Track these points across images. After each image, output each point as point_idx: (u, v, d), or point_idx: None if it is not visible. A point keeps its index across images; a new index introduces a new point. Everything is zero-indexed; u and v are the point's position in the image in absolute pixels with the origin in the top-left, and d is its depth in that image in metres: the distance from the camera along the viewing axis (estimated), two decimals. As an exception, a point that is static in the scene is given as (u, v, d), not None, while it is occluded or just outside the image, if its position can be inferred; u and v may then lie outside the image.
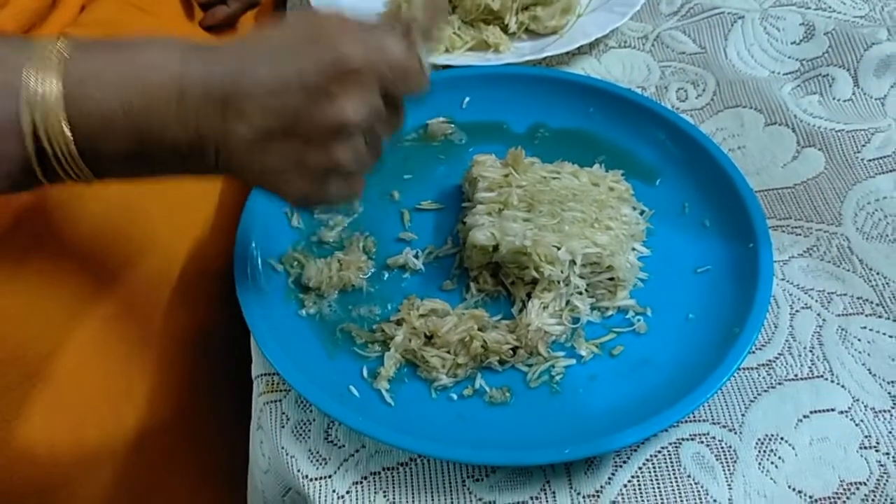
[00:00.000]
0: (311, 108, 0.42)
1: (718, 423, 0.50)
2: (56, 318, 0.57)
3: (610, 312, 0.55)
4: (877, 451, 0.49)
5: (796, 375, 0.52)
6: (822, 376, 0.52)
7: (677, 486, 0.48)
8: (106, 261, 0.60)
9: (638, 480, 0.48)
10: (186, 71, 0.42)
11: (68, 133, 0.40)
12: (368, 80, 0.43)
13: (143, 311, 0.62)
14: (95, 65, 0.42)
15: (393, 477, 0.49)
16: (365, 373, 0.52)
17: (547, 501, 0.48)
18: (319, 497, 0.49)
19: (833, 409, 0.51)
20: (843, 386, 0.52)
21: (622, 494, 0.48)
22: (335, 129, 0.43)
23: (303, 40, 0.43)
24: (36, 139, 0.40)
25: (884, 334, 0.54)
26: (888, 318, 0.55)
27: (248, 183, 0.49)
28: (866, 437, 0.50)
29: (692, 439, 0.50)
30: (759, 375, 0.52)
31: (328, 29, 0.43)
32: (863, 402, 0.51)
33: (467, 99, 0.69)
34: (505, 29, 0.74)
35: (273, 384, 0.54)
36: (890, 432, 0.50)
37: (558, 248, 0.54)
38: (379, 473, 0.49)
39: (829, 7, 0.77)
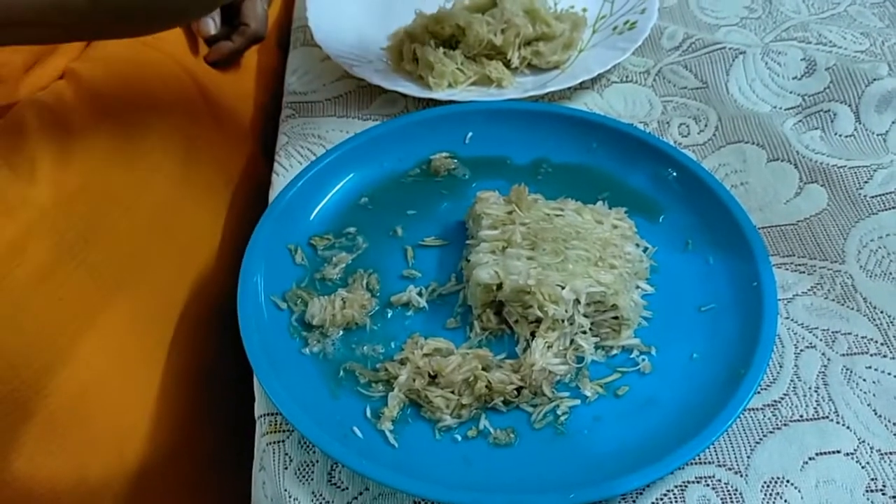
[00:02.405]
0: None
1: (724, 466, 0.50)
2: (53, 349, 0.56)
3: (614, 352, 0.55)
4: (883, 493, 0.49)
5: (801, 416, 0.52)
6: (827, 417, 0.52)
7: (683, 529, 0.48)
8: (109, 294, 0.60)
9: (644, 524, 0.48)
10: None
11: None
12: None
13: (146, 347, 0.62)
14: None
15: (397, 520, 0.49)
16: (368, 413, 0.52)
17: (552, 545, 0.47)
18: (323, 540, 0.48)
19: (839, 451, 0.50)
20: (848, 427, 0.52)
21: (628, 538, 0.48)
22: None
23: None
24: None
25: (889, 374, 0.54)
26: (893, 358, 0.55)
27: None
28: (872, 479, 0.49)
29: (698, 482, 0.49)
30: (764, 416, 0.52)
31: None
32: (868, 444, 0.51)
33: (470, 134, 0.69)
34: (507, 64, 0.75)
35: (276, 424, 0.53)
36: (896, 475, 0.49)
37: (562, 288, 0.54)
38: (383, 516, 0.49)
39: (830, 42, 0.78)
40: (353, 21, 0.81)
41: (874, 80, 0.70)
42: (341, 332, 0.57)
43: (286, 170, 0.69)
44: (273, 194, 0.66)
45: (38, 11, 0.48)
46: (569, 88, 0.73)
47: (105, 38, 0.57)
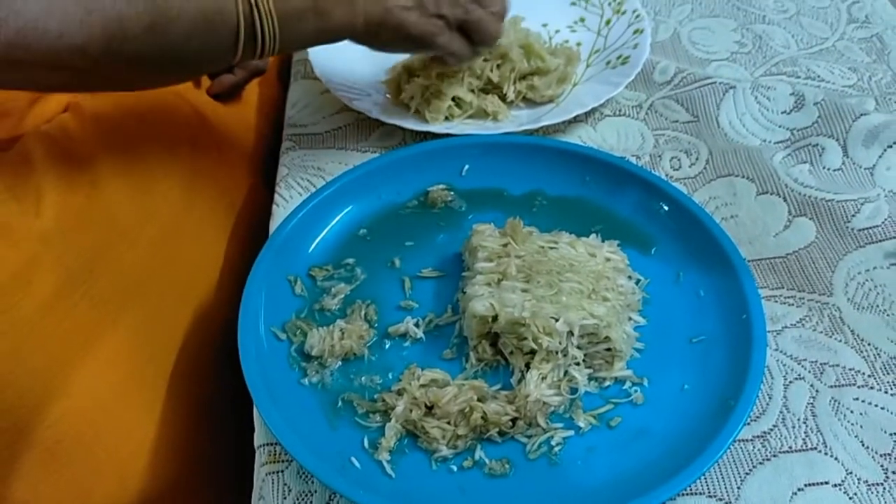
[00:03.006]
0: None
1: (715, 496, 0.51)
2: (56, 378, 0.57)
3: (607, 383, 0.56)
4: (870, 524, 0.50)
5: (791, 447, 0.53)
6: (815, 448, 0.53)
7: (675, 559, 0.49)
8: (111, 324, 0.61)
9: (636, 554, 0.49)
10: None
11: (275, 17, 0.56)
12: None
13: (147, 377, 0.63)
14: None
15: (394, 549, 0.50)
16: (366, 443, 0.53)
17: (546, 575, 0.48)
18: (321, 570, 0.49)
19: (827, 482, 0.52)
20: (836, 458, 0.53)
21: (620, 568, 0.48)
22: None
23: None
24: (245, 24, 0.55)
25: (876, 406, 0.55)
26: (880, 390, 0.56)
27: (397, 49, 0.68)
28: (860, 510, 0.50)
29: (689, 512, 0.50)
30: (753, 447, 0.53)
31: None
32: (856, 475, 0.52)
33: (467, 167, 0.70)
34: (503, 98, 0.76)
35: (275, 455, 0.54)
36: (883, 505, 0.51)
37: (556, 320, 0.55)
38: (380, 546, 0.50)
39: (819, 76, 0.80)
40: (353, 54, 0.81)
41: (861, 114, 0.72)
42: (340, 363, 0.58)
43: (286, 201, 0.70)
44: (273, 225, 0.68)
45: (56, 53, 0.49)
46: (563, 122, 0.74)
47: (116, 89, 0.60)
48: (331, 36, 0.62)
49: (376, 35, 0.63)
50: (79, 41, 0.50)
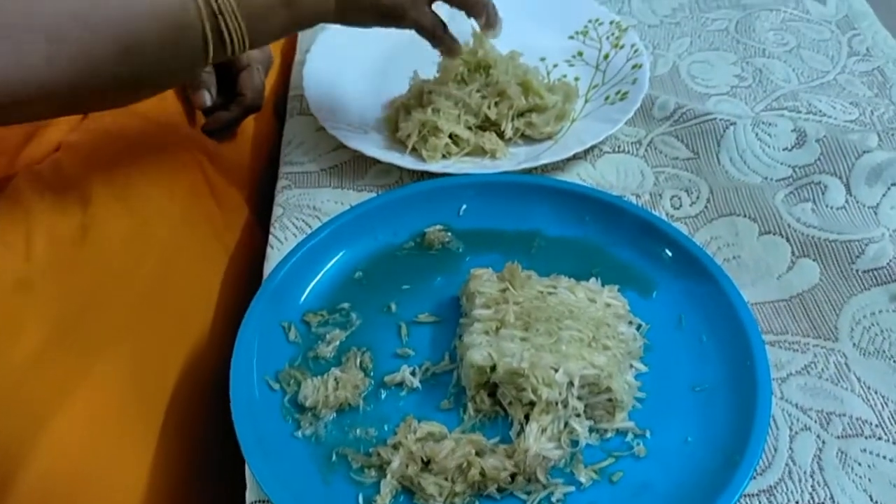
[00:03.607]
0: None
1: (720, 555, 0.50)
2: (44, 426, 0.56)
3: (609, 435, 0.55)
4: (881, 584, 0.48)
5: (797, 502, 0.52)
6: (823, 503, 0.52)
7: None
8: (102, 369, 0.60)
9: None
10: None
11: (241, 18, 0.55)
12: None
13: (137, 424, 0.62)
14: None
15: None
16: (361, 500, 0.52)
17: None
18: None
19: (835, 540, 0.50)
20: (844, 514, 0.51)
21: None
22: None
23: None
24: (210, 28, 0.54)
25: (884, 458, 0.54)
26: (888, 441, 0.55)
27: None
28: (870, 569, 0.49)
29: (694, 573, 0.49)
30: (759, 503, 0.52)
31: None
32: (865, 532, 0.51)
33: (464, 207, 0.69)
34: (501, 135, 0.75)
35: (268, 511, 0.53)
36: (893, 564, 0.49)
37: (556, 370, 0.53)
38: None
39: (820, 111, 0.79)
40: (349, 90, 0.82)
41: (864, 152, 0.71)
42: (334, 414, 0.56)
43: (281, 242, 0.69)
44: (268, 268, 0.67)
45: (23, 97, 0.49)
46: (562, 160, 0.73)
47: (90, 111, 0.60)
48: (304, 24, 0.62)
49: (347, 12, 0.63)
50: (47, 86, 0.49)
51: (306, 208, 0.72)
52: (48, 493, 0.56)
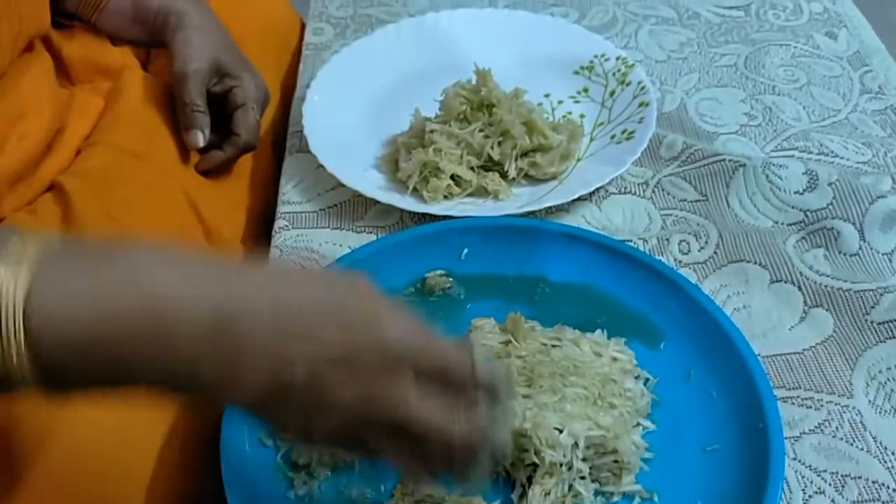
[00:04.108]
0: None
1: None
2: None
3: (615, 498, 0.53)
4: None
5: (812, 573, 0.50)
6: (839, 574, 0.50)
7: None
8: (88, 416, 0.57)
9: None
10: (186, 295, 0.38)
11: (22, 350, 0.36)
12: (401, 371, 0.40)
13: (128, 468, 0.59)
14: (67, 279, 0.37)
15: None
16: (356, 567, 0.50)
17: None
18: None
19: None
20: (861, 586, 0.49)
21: None
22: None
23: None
24: None
25: (902, 525, 0.52)
26: (906, 507, 0.52)
27: None
28: None
29: None
30: (773, 574, 0.50)
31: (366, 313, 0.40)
32: None
33: (466, 251, 0.68)
34: (504, 175, 0.74)
35: (258, 578, 0.51)
36: None
37: (560, 431, 0.51)
38: None
39: (832, 152, 0.77)
40: (349, 127, 0.80)
41: (878, 197, 0.69)
42: (329, 473, 0.54)
43: (277, 286, 0.67)
44: (262, 314, 0.64)
45: None
46: (566, 202, 0.71)
47: None
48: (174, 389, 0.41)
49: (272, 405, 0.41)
50: None
51: (304, 251, 0.70)
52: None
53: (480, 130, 0.73)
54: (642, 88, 0.80)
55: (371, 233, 0.72)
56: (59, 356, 0.36)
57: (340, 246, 0.70)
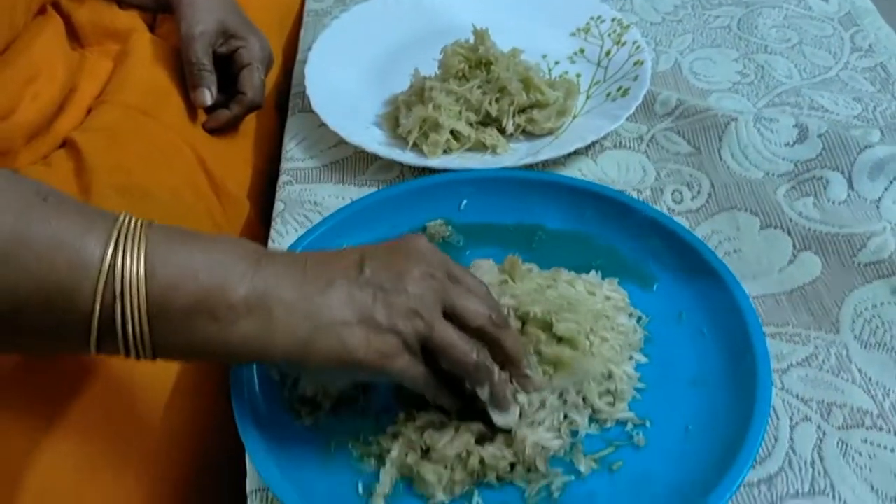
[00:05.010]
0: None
1: (720, 544, 0.49)
2: (39, 418, 0.56)
3: (609, 424, 0.55)
4: (882, 573, 0.48)
5: (797, 492, 0.52)
6: (823, 492, 0.51)
7: None
8: (93, 365, 0.60)
9: None
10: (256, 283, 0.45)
11: (145, 315, 0.43)
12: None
13: (136, 419, 0.62)
14: (178, 253, 0.44)
15: None
16: (360, 489, 0.52)
17: None
18: None
19: (836, 529, 0.50)
20: (844, 503, 0.51)
21: None
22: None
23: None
24: (101, 316, 0.42)
25: (885, 448, 0.53)
26: (889, 431, 0.54)
27: None
28: (870, 558, 0.49)
29: (693, 562, 0.49)
30: (759, 492, 0.52)
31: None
32: (865, 521, 0.50)
33: (465, 202, 0.70)
34: (502, 131, 0.76)
35: (267, 501, 0.53)
36: (894, 553, 0.49)
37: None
38: None
39: (822, 107, 0.79)
40: (350, 88, 0.82)
41: (866, 146, 0.71)
42: (334, 405, 0.56)
43: (282, 237, 0.69)
44: (268, 262, 0.67)
45: None
46: (563, 155, 0.73)
47: None
48: (237, 355, 0.47)
49: (305, 359, 0.47)
50: None
51: (307, 203, 0.72)
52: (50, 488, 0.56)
53: (479, 87, 0.75)
54: (637, 48, 0.82)
55: (373, 187, 0.74)
56: (167, 332, 0.44)
57: (343, 199, 0.72)
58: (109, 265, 0.42)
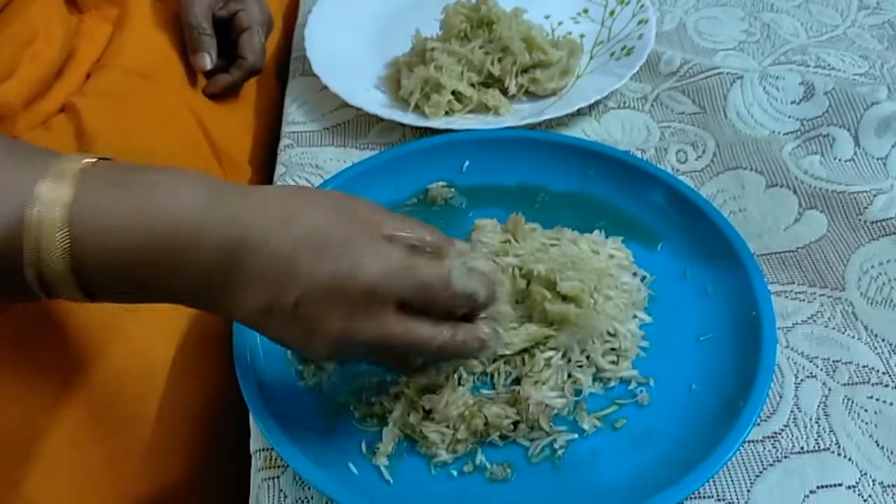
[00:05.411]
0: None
1: (724, 500, 0.49)
2: (47, 392, 0.56)
3: (612, 383, 0.55)
4: (886, 527, 0.48)
5: (802, 448, 0.51)
6: (828, 449, 0.51)
7: (682, 566, 0.47)
8: (101, 327, 0.60)
9: (642, 560, 0.47)
10: (206, 219, 0.42)
11: (65, 257, 0.41)
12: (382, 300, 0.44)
13: (142, 381, 0.62)
14: (108, 195, 0.42)
15: (392, 557, 0.49)
16: (363, 448, 0.52)
17: (549, 583, 0.47)
18: (317, 579, 0.48)
19: (840, 484, 0.50)
20: (850, 459, 0.51)
21: (626, 575, 0.47)
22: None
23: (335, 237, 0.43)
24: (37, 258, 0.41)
25: (890, 404, 0.53)
26: (895, 387, 0.54)
27: None
28: (875, 513, 0.49)
29: (697, 517, 0.49)
30: (764, 449, 0.52)
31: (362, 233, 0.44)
32: (871, 476, 0.50)
33: (467, 163, 0.69)
34: (505, 91, 0.75)
35: (271, 460, 0.53)
36: (899, 508, 0.49)
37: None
38: (378, 554, 0.49)
39: (829, 65, 0.77)
40: (351, 50, 0.81)
41: (873, 103, 0.70)
42: (337, 365, 0.56)
43: (284, 200, 0.69)
44: (270, 225, 0.66)
45: None
46: (566, 115, 0.72)
47: None
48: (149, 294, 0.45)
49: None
50: None
51: (309, 167, 0.72)
52: (63, 441, 0.56)
53: (481, 47, 0.74)
54: (641, 7, 0.81)
55: (374, 150, 0.73)
56: (94, 266, 0.42)
57: (344, 162, 0.72)
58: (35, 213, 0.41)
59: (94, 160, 0.44)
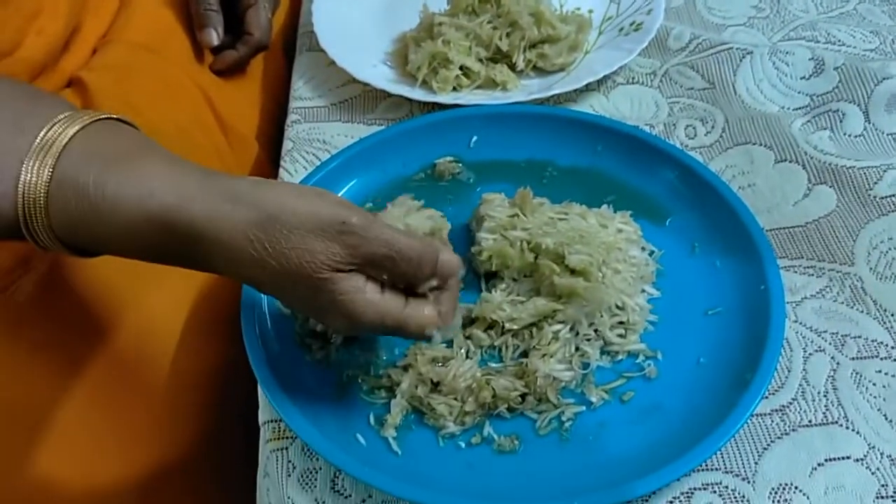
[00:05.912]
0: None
1: (731, 472, 0.49)
2: (59, 362, 0.57)
3: (620, 357, 0.55)
4: (894, 500, 0.48)
5: (810, 422, 0.51)
6: (836, 422, 0.51)
7: (690, 537, 0.47)
8: (112, 299, 0.60)
9: (649, 531, 0.48)
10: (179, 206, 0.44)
11: (49, 233, 0.44)
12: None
13: (152, 353, 0.62)
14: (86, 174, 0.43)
15: (400, 527, 0.49)
16: (372, 420, 0.52)
17: (557, 553, 0.47)
18: (326, 548, 0.48)
19: (848, 457, 0.50)
20: (858, 432, 0.51)
21: (633, 546, 0.47)
22: None
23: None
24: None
25: (899, 378, 0.53)
26: (903, 362, 0.54)
27: None
28: (883, 485, 0.49)
29: (704, 489, 0.49)
30: (772, 422, 0.52)
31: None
32: (879, 450, 0.50)
33: (475, 138, 0.69)
34: (513, 67, 0.74)
35: (279, 431, 0.53)
36: (907, 481, 0.49)
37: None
38: (386, 524, 0.49)
39: (839, 41, 0.77)
40: (359, 25, 0.81)
41: (883, 79, 0.69)
42: (344, 339, 0.56)
43: (291, 175, 0.69)
44: (278, 200, 0.66)
45: None
46: (574, 91, 0.72)
47: None
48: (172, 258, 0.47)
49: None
50: None
51: (316, 142, 0.72)
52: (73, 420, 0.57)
53: (489, 22, 0.74)
54: (650, -18, 0.80)
55: (382, 125, 0.73)
56: (77, 242, 0.45)
57: (352, 138, 0.72)
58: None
59: (83, 125, 0.45)
